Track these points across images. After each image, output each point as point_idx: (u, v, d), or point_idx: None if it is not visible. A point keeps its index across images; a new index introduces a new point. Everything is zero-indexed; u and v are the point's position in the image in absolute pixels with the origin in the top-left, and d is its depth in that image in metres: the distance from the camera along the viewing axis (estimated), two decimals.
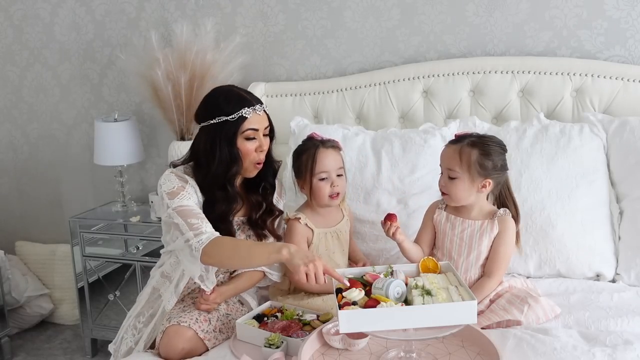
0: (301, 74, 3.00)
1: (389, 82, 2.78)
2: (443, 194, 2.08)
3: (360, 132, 2.68)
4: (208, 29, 2.88)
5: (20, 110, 3.54)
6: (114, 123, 3.05)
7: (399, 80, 2.77)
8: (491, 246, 2.05)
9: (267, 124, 2.07)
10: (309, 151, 2.19)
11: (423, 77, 2.74)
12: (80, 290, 3.17)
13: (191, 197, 2.01)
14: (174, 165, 2.13)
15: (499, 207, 2.10)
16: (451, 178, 2.03)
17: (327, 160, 2.18)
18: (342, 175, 2.20)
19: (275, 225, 2.20)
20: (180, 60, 2.85)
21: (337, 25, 2.91)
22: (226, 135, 2.00)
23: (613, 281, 2.29)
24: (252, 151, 2.03)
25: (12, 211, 3.69)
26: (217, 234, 1.95)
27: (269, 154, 2.13)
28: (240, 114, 1.99)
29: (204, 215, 1.98)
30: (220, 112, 2.00)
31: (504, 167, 2.06)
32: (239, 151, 2.02)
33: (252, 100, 2.04)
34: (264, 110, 2.07)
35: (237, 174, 2.05)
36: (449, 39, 2.78)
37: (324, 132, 2.65)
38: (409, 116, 2.78)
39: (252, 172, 2.09)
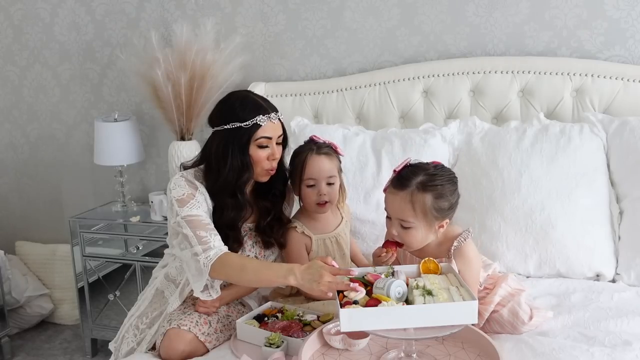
0: (301, 74, 3.00)
1: (389, 82, 2.78)
2: (398, 244, 1.89)
3: (360, 132, 2.68)
4: (208, 29, 2.88)
5: (20, 110, 3.54)
6: (114, 123, 3.05)
7: (399, 80, 2.77)
8: None
9: (281, 132, 2.05)
10: (300, 155, 2.16)
11: (423, 77, 2.75)
12: (80, 290, 3.17)
13: (201, 205, 1.98)
14: (185, 167, 2.11)
15: None
16: (404, 228, 1.85)
17: (316, 167, 2.13)
18: (333, 183, 2.15)
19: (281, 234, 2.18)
20: (180, 60, 2.85)
21: (337, 25, 2.91)
22: (239, 142, 1.98)
23: (613, 281, 2.29)
24: (263, 159, 2.02)
25: (12, 211, 3.69)
26: (226, 248, 1.93)
27: (280, 162, 2.11)
28: (254, 122, 1.98)
29: (212, 226, 1.97)
30: (234, 118, 1.99)
31: (457, 200, 1.89)
32: (251, 158, 2.00)
33: (267, 108, 2.02)
34: (279, 119, 2.04)
35: (247, 181, 2.04)
36: (449, 39, 2.78)
37: (323, 132, 2.65)
38: (409, 116, 2.78)
39: (264, 178, 2.08)
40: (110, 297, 3.12)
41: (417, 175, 1.84)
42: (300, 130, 2.73)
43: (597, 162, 2.39)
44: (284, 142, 2.09)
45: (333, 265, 1.76)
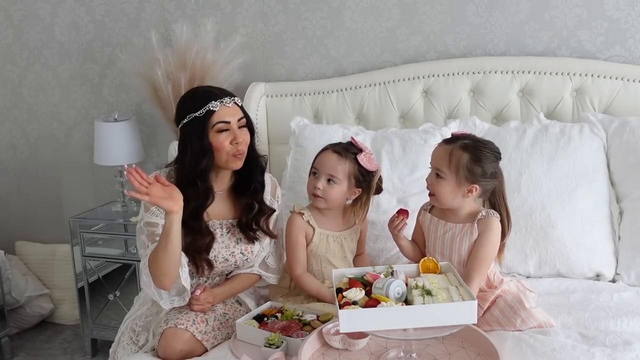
0: (301, 74, 3.00)
1: (389, 82, 2.78)
2: (430, 194, 2.06)
3: (360, 132, 2.68)
4: (208, 29, 2.88)
5: (20, 110, 3.54)
6: (114, 123, 3.05)
7: (399, 80, 2.77)
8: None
9: (240, 115, 2.04)
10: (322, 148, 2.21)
11: (423, 77, 2.74)
12: (80, 290, 3.17)
13: (161, 211, 1.99)
14: (167, 167, 2.13)
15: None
16: (438, 177, 2.01)
17: (322, 159, 2.16)
18: (334, 183, 2.13)
19: (271, 226, 2.17)
20: (180, 60, 2.85)
21: (337, 25, 2.91)
22: (196, 131, 1.99)
23: (613, 281, 2.29)
24: (226, 144, 2.01)
25: (12, 211, 3.69)
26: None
27: (252, 150, 2.10)
28: (207, 108, 1.99)
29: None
30: (189, 111, 2.01)
31: (494, 175, 2.01)
32: (211, 145, 2.00)
33: (219, 94, 2.02)
34: (235, 103, 2.04)
35: (207, 168, 2.02)
36: (449, 39, 2.78)
37: (323, 132, 2.66)
38: (409, 116, 2.78)
39: (236, 164, 2.05)
40: (110, 297, 3.12)
41: (466, 138, 2.04)
42: (300, 130, 2.73)
43: (597, 162, 2.39)
44: (249, 127, 2.08)
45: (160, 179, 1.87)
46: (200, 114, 1.99)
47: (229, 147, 2.01)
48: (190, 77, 2.84)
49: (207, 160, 2.00)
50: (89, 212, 3.22)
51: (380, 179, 2.23)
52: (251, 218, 2.11)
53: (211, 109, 1.99)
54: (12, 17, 3.42)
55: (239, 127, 2.04)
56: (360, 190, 2.18)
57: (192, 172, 2.00)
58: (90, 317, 3.18)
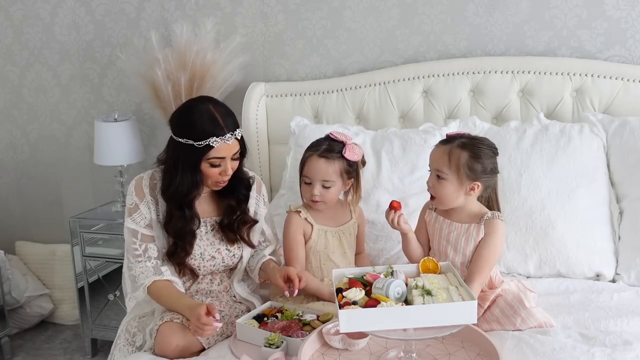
0: (301, 74, 3.00)
1: (389, 82, 2.78)
2: (431, 196, 2.05)
3: (360, 132, 2.68)
4: (208, 29, 2.88)
5: (20, 110, 3.54)
6: (114, 123, 3.05)
7: (399, 80, 2.77)
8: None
9: (236, 149, 2.01)
10: (305, 152, 2.18)
11: (423, 77, 2.74)
12: (80, 290, 3.17)
13: (143, 218, 2.03)
14: (158, 159, 2.11)
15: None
16: (439, 178, 2.00)
17: (312, 168, 2.15)
18: (329, 187, 2.14)
19: (251, 236, 2.17)
20: (180, 60, 2.85)
21: (337, 25, 2.91)
22: (189, 160, 1.97)
23: (613, 281, 2.29)
24: (215, 175, 2.01)
25: (12, 211, 3.69)
26: (153, 278, 1.99)
27: (239, 171, 2.09)
28: (207, 143, 1.94)
29: (140, 251, 2.01)
30: (189, 134, 1.95)
31: (494, 171, 2.02)
32: (201, 174, 2.00)
33: (224, 128, 1.95)
34: (236, 137, 1.98)
35: (196, 197, 2.04)
36: (449, 39, 2.78)
37: (323, 132, 2.64)
38: (409, 116, 2.78)
39: (214, 188, 2.08)
40: (110, 297, 3.12)
41: (462, 137, 2.03)
42: (300, 130, 2.73)
43: (597, 162, 2.39)
44: (241, 154, 2.06)
45: (212, 316, 1.83)
46: (199, 145, 1.94)
47: (216, 177, 2.02)
48: (190, 77, 2.84)
49: (197, 191, 2.02)
50: (89, 212, 3.22)
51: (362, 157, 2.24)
52: (233, 221, 2.12)
53: (211, 144, 1.94)
54: (12, 17, 3.42)
55: (231, 159, 2.02)
56: (352, 179, 2.21)
57: (180, 198, 2.01)
58: (90, 317, 3.18)
